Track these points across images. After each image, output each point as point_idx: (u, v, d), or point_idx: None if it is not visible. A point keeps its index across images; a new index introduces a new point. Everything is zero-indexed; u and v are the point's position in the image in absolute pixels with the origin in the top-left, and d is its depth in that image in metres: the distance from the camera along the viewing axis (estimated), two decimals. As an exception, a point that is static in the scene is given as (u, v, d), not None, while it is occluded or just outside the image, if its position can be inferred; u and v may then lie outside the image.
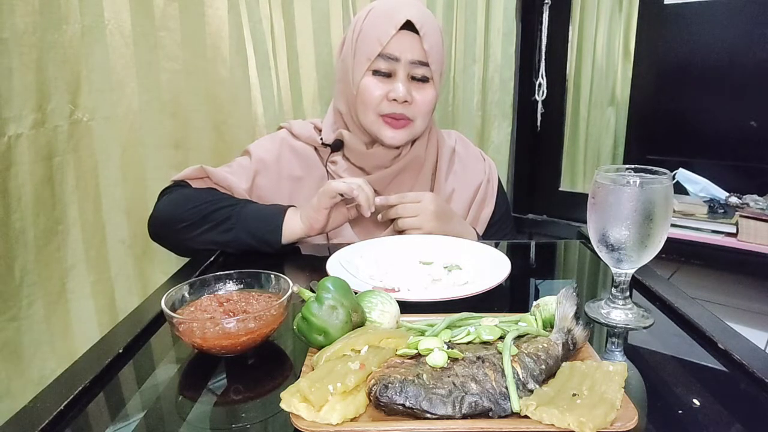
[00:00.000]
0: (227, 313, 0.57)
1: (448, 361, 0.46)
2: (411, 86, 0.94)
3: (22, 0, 0.98)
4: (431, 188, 1.04)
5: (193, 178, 0.97)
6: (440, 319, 0.54)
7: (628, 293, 0.65)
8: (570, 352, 0.51)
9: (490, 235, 1.06)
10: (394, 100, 0.92)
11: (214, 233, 0.87)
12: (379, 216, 0.97)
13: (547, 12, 2.08)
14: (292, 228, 0.87)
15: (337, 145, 1.01)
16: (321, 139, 1.02)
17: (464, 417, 0.42)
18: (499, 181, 1.12)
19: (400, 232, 0.94)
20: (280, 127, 1.09)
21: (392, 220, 0.95)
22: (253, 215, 0.87)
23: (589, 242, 0.67)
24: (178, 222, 0.88)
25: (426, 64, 0.93)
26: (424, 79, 0.95)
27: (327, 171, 1.00)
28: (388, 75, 0.93)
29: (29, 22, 1.00)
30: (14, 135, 1.00)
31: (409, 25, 0.91)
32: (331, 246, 0.93)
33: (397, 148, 0.99)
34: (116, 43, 1.15)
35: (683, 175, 1.84)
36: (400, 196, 0.94)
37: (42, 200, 1.06)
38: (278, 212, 0.88)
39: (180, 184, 0.96)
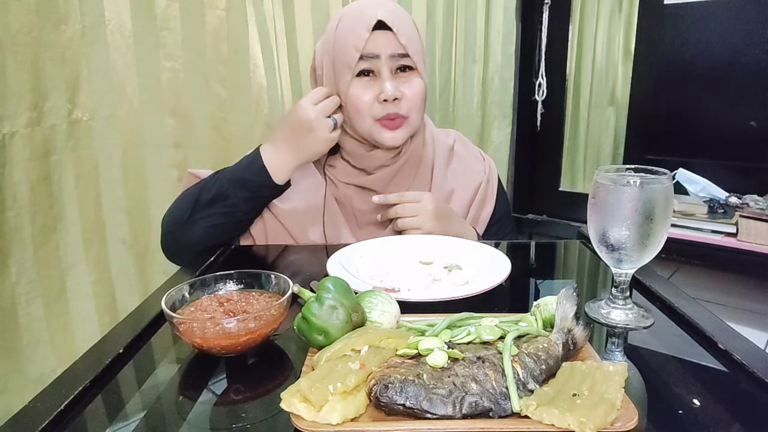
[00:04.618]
0: (227, 313, 0.57)
1: (449, 361, 0.46)
2: (398, 81, 0.93)
3: (17, 0, 0.98)
4: (430, 185, 1.04)
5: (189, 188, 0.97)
6: (440, 319, 0.54)
7: (628, 293, 0.65)
8: (570, 352, 0.51)
9: (491, 235, 1.06)
10: (385, 100, 0.92)
11: (212, 209, 0.88)
12: (379, 216, 0.96)
13: (547, 12, 2.08)
14: (282, 164, 0.90)
15: (334, 149, 1.01)
16: None
17: (464, 417, 0.42)
18: (500, 181, 1.11)
19: (400, 232, 0.94)
20: None
21: (391, 220, 0.95)
22: (235, 171, 0.91)
23: (589, 242, 0.67)
24: (178, 222, 0.89)
25: (406, 55, 0.93)
26: (409, 69, 0.94)
27: (325, 174, 1.00)
28: (372, 73, 0.93)
29: (24, 21, 1.00)
30: (9, 133, 1.00)
31: (381, 25, 0.90)
32: (331, 246, 0.93)
33: (398, 147, 0.99)
34: (117, 42, 1.15)
35: (683, 175, 1.84)
36: (399, 195, 0.94)
37: (39, 198, 1.06)
38: (254, 156, 0.91)
39: None
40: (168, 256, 0.95)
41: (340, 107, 0.93)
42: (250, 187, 0.89)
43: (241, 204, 0.89)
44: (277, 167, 0.89)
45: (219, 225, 0.89)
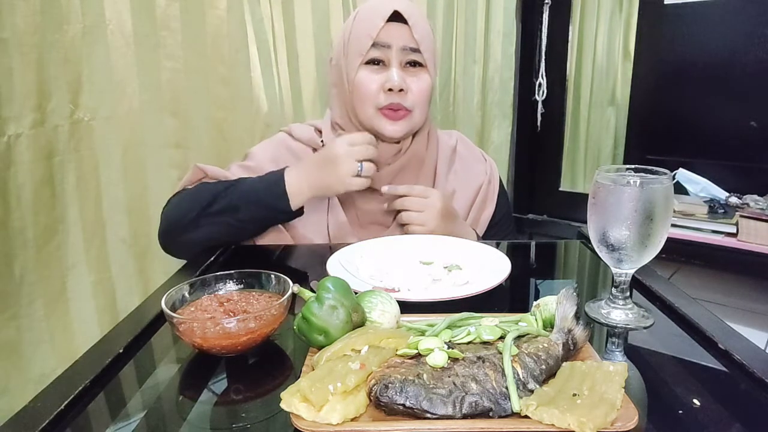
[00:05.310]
0: (227, 313, 0.57)
1: (449, 361, 0.46)
2: (406, 75, 0.94)
3: (23, 0, 0.98)
4: (433, 186, 1.04)
5: (194, 182, 0.97)
6: (440, 319, 0.54)
7: (628, 293, 0.65)
8: (570, 352, 0.51)
9: (491, 236, 1.06)
10: (390, 90, 0.92)
11: (220, 218, 0.87)
12: (385, 205, 0.96)
13: (547, 12, 2.08)
14: (300, 192, 0.88)
15: None
16: (322, 141, 1.02)
17: (464, 417, 0.42)
18: (501, 182, 1.12)
19: (403, 226, 0.94)
20: (280, 131, 1.09)
21: (395, 218, 0.96)
22: (254, 188, 0.88)
23: (590, 242, 0.67)
24: (181, 220, 0.88)
25: (418, 51, 0.93)
26: (418, 65, 0.95)
27: None
28: (382, 63, 0.93)
29: (30, 22, 1.00)
30: (14, 135, 1.00)
31: (397, 18, 0.91)
32: (332, 246, 0.93)
33: (398, 142, 0.99)
34: (117, 42, 1.15)
35: (683, 175, 1.84)
36: (408, 187, 0.94)
37: (42, 200, 1.06)
38: (278, 179, 0.88)
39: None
40: (164, 248, 0.95)
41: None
42: (265, 209, 0.88)
43: (251, 221, 0.89)
44: (295, 194, 0.88)
45: (222, 233, 0.89)
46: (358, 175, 0.88)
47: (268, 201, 0.87)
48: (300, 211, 0.91)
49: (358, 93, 0.93)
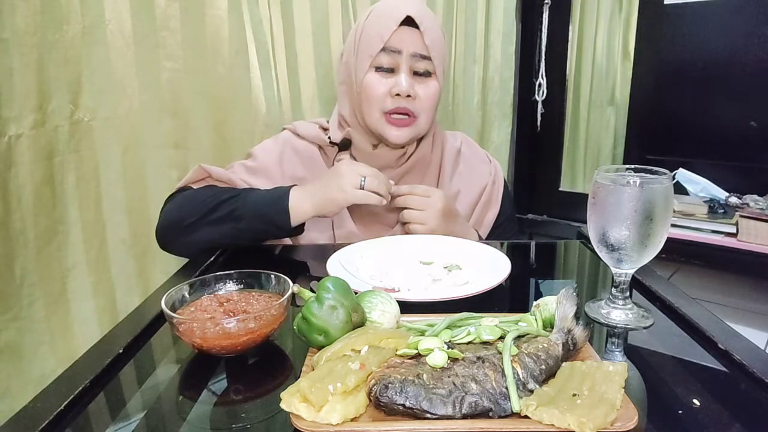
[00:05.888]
0: (227, 313, 0.58)
1: (448, 361, 0.46)
2: (414, 82, 0.94)
3: (23, 0, 0.98)
4: (437, 188, 1.04)
5: (196, 181, 0.97)
6: (440, 319, 0.54)
7: (628, 293, 0.65)
8: (570, 352, 0.51)
9: (495, 237, 1.07)
10: (398, 95, 0.92)
11: (221, 226, 0.87)
12: (385, 201, 0.97)
13: (547, 12, 2.08)
14: (301, 209, 0.87)
15: (345, 144, 1.01)
16: (329, 138, 1.02)
17: (464, 417, 0.42)
18: (506, 184, 1.12)
19: (403, 224, 0.94)
20: (284, 129, 1.09)
21: (397, 219, 0.96)
22: (258, 201, 0.88)
23: (589, 242, 0.67)
24: (182, 222, 0.88)
25: (428, 58, 0.93)
26: (427, 74, 0.95)
27: None
28: (391, 70, 0.93)
29: (30, 22, 1.00)
30: (15, 135, 1.00)
31: (409, 22, 0.91)
32: (336, 245, 0.93)
33: (402, 147, 0.99)
34: (117, 43, 1.15)
35: (683, 175, 1.84)
36: (410, 187, 0.94)
37: (42, 200, 1.06)
38: (282, 194, 0.88)
39: (183, 190, 0.96)
40: (161, 245, 0.94)
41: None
42: (265, 223, 0.87)
43: (250, 232, 0.88)
44: (297, 211, 0.87)
45: (221, 239, 0.89)
46: (361, 188, 0.87)
47: (270, 216, 0.87)
48: (300, 229, 0.90)
49: (365, 95, 0.94)
